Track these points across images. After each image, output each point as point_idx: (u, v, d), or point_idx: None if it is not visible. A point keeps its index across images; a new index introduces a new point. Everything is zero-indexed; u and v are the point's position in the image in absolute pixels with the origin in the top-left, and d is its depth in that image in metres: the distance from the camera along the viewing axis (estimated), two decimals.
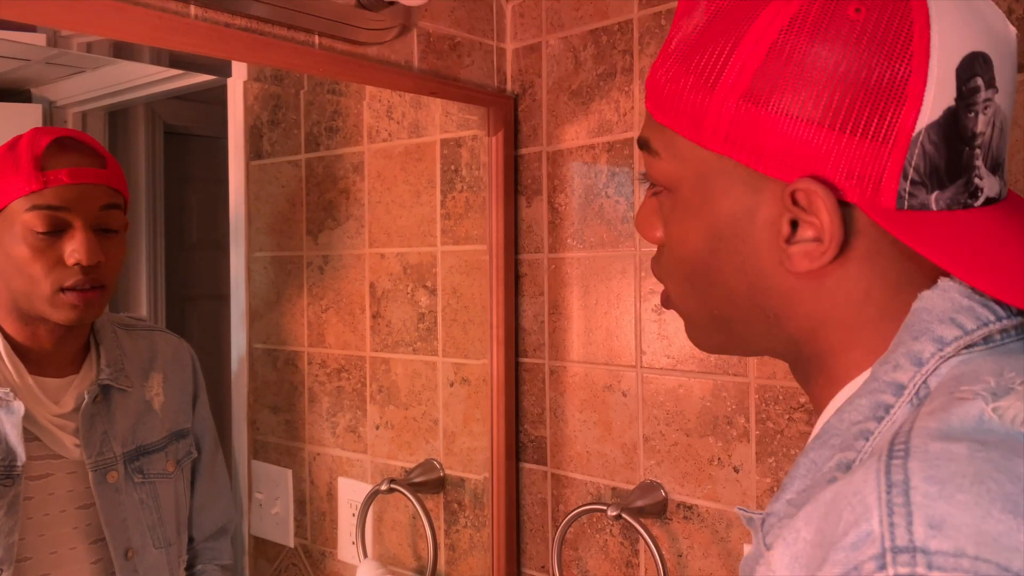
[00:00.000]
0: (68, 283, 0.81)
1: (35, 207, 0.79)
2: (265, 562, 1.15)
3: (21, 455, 0.79)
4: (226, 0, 0.90)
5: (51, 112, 0.91)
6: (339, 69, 1.00)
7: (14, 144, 0.80)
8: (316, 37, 1.00)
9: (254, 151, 1.14)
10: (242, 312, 1.13)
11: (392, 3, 1.03)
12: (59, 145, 0.82)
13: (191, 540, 0.98)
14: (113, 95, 0.97)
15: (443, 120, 1.19)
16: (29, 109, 0.89)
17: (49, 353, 0.85)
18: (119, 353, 0.90)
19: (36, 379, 0.84)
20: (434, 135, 1.19)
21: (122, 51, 0.86)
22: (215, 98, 1.10)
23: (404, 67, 1.11)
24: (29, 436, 0.82)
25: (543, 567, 1.23)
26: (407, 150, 1.20)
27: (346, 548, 1.17)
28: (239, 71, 1.02)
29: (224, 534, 1.02)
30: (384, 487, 1.15)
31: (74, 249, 0.81)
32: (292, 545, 1.15)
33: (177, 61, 0.91)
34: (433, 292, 1.20)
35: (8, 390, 0.80)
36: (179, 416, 0.94)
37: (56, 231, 0.81)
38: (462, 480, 1.20)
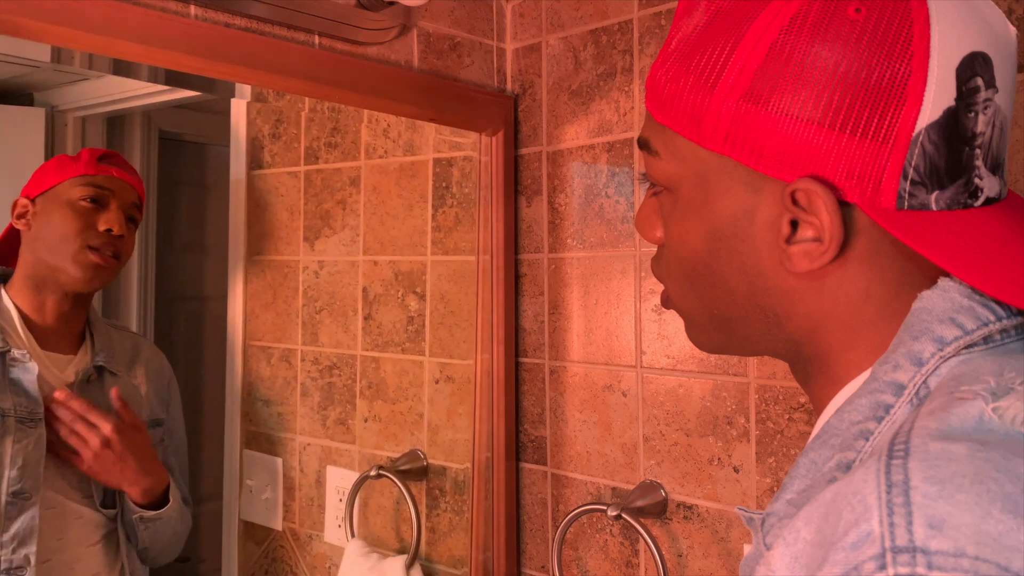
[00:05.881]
0: (94, 243, 0.97)
1: (86, 183, 0.97)
2: (254, 544, 1.23)
3: (42, 403, 0.91)
4: (226, 0, 0.90)
5: (53, 116, 0.99)
6: (339, 74, 1.01)
7: (76, 154, 1.00)
8: (316, 37, 1.00)
9: (255, 161, 1.23)
10: (239, 311, 1.21)
11: (392, 3, 1.03)
12: (111, 156, 1.02)
13: None
14: (115, 103, 1.04)
15: (436, 140, 1.27)
16: (32, 113, 0.97)
17: (53, 328, 0.97)
18: (110, 344, 1.02)
19: (44, 352, 0.96)
20: (427, 154, 1.27)
21: (121, 68, 0.96)
22: (216, 108, 1.17)
23: (404, 67, 1.11)
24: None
25: (543, 567, 1.24)
26: (401, 167, 1.28)
27: (332, 531, 1.25)
28: (242, 91, 1.13)
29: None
30: (373, 472, 1.23)
31: (109, 219, 0.98)
32: (280, 528, 1.23)
33: (177, 79, 1.00)
34: (422, 297, 1.27)
35: (25, 352, 0.92)
36: (155, 408, 1.07)
37: (97, 204, 0.97)
38: (444, 469, 1.27)
